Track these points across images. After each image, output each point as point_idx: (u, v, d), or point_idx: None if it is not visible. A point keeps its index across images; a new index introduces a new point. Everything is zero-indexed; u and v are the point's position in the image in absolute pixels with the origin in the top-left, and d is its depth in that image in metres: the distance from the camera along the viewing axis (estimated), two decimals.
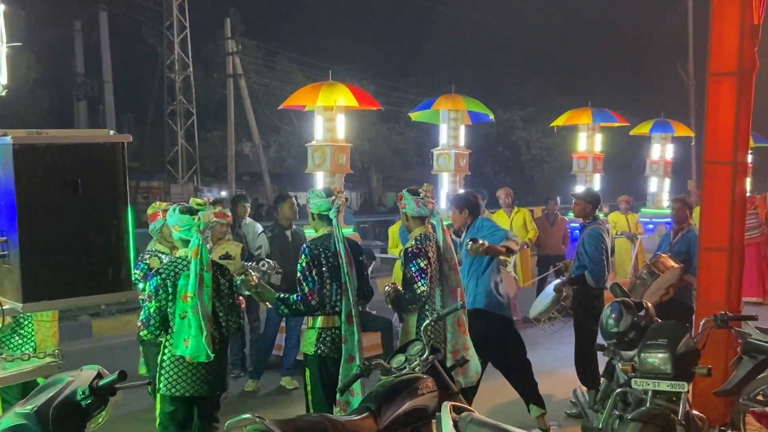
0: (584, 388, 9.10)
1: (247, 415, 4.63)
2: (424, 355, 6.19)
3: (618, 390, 6.93)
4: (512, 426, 4.68)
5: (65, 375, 4.64)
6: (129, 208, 4.69)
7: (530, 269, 15.33)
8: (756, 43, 8.00)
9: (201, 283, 6.20)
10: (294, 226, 10.90)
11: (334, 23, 47.94)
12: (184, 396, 6.41)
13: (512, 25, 47.61)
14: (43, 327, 6.22)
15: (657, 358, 6.36)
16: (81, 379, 4.54)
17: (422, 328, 6.76)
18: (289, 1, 46.41)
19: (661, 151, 19.74)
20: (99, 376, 4.58)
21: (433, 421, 5.54)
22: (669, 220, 14.45)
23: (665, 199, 19.61)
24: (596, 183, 17.31)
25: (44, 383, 4.68)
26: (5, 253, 4.52)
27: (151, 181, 39.71)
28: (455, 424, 4.64)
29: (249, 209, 12.03)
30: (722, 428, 7.73)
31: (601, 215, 9.78)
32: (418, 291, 7.30)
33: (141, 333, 6.46)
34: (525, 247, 14.60)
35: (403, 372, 6.04)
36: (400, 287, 7.50)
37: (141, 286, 7.35)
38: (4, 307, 4.70)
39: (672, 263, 9.31)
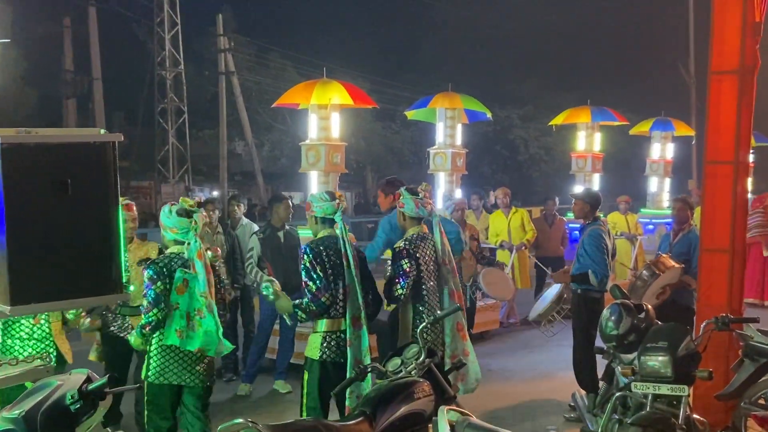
0: (583, 392, 9.04)
1: (240, 420, 4.59)
2: (421, 359, 6.11)
3: (617, 394, 6.83)
4: (510, 431, 4.61)
5: (54, 379, 4.58)
6: (119, 208, 4.59)
7: (528, 271, 15.21)
8: (758, 40, 7.92)
9: (209, 283, 6.41)
10: (287, 227, 10.81)
11: (329, 19, 47.99)
12: (171, 384, 6.49)
13: (510, 22, 47.63)
14: None
15: (657, 361, 6.29)
16: (70, 383, 4.51)
17: (418, 330, 6.70)
18: None
19: (662, 150, 19.65)
20: (88, 380, 4.56)
21: (430, 425, 5.49)
22: (669, 220, 14.39)
23: (665, 200, 19.52)
24: (595, 183, 17.25)
25: (32, 387, 4.64)
26: None
27: (141, 180, 39.46)
28: (452, 429, 4.56)
29: (244, 209, 11.96)
30: None
31: (600, 215, 9.65)
32: (396, 293, 7.34)
33: (130, 338, 6.57)
34: (523, 248, 14.53)
35: (399, 375, 5.96)
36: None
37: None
38: None
39: (673, 263, 9.24)
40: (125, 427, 8.48)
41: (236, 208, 12.02)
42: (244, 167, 41.77)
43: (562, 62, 48.00)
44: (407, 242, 7.47)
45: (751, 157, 8.57)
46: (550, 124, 18.97)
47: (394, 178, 9.50)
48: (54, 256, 4.45)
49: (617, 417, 6.78)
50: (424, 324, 6.82)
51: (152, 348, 6.47)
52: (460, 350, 7.48)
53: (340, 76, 15.46)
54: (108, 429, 8.15)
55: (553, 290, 9.92)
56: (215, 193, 35.73)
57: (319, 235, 7.13)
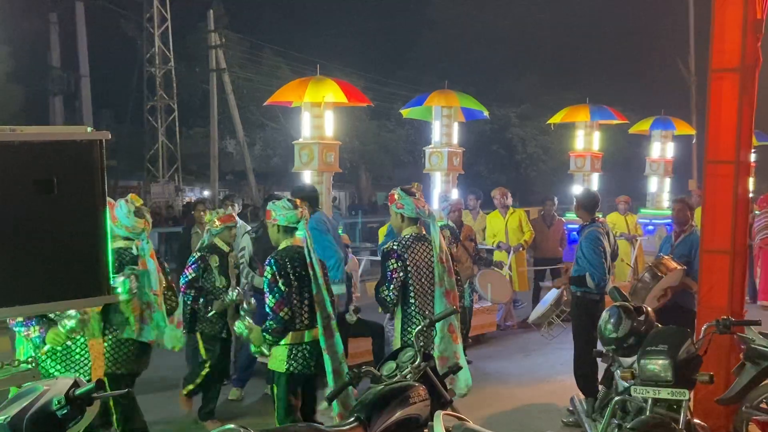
0: (582, 396, 8.97)
1: (232, 426, 4.48)
2: (416, 363, 6.00)
3: (617, 398, 6.78)
4: None
5: (40, 384, 4.48)
6: (106, 209, 4.47)
7: (526, 273, 15.10)
8: (759, 38, 7.87)
9: (160, 281, 6.77)
10: None
11: (323, 15, 47.98)
12: (124, 374, 6.77)
13: (507, 18, 47.67)
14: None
15: (657, 364, 6.20)
16: (56, 388, 4.43)
17: (414, 333, 6.62)
18: None
19: (662, 149, 19.64)
20: (75, 384, 4.47)
21: (426, 430, 5.42)
22: (669, 221, 14.32)
23: (665, 200, 19.54)
24: (594, 182, 17.21)
25: (17, 392, 4.56)
26: None
27: (129, 180, 39.20)
28: None
29: (238, 209, 11.87)
30: None
31: (599, 216, 9.56)
32: (382, 293, 7.39)
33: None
34: (521, 249, 14.44)
35: (394, 380, 5.85)
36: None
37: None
38: None
39: (675, 265, 9.18)
40: None
41: (230, 208, 11.91)
42: (236, 166, 41.61)
43: (560, 60, 48.02)
44: (397, 243, 7.46)
45: (752, 157, 8.49)
46: (548, 122, 18.93)
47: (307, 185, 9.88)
48: (39, 257, 4.37)
49: (617, 422, 6.73)
50: (420, 327, 6.72)
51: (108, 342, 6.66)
52: (450, 352, 7.39)
53: (334, 73, 15.41)
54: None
55: (553, 293, 9.89)
56: (206, 193, 35.63)
57: (282, 245, 7.07)
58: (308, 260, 6.87)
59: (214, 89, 32.55)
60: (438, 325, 7.30)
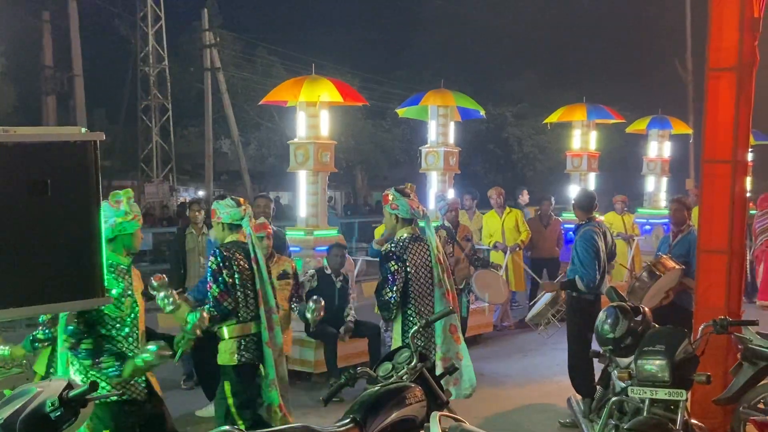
0: (579, 397, 8.99)
1: (227, 427, 4.46)
2: (412, 363, 5.99)
3: (614, 398, 6.76)
4: None
5: (33, 386, 4.47)
6: (101, 210, 4.46)
7: (522, 273, 15.08)
8: (756, 36, 7.84)
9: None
10: (275, 228, 10.67)
11: (318, 14, 47.96)
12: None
13: (503, 17, 47.52)
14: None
15: (654, 365, 6.20)
16: (50, 389, 4.41)
17: (410, 334, 6.62)
18: None
19: (659, 148, 19.61)
20: (69, 386, 4.45)
21: (422, 431, 5.35)
22: (666, 221, 14.30)
23: (662, 199, 19.51)
24: (591, 182, 17.16)
25: (11, 394, 4.52)
26: None
27: (123, 180, 38.83)
28: None
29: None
30: None
31: (596, 215, 9.55)
32: (386, 296, 7.37)
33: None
34: (517, 249, 14.41)
35: (390, 381, 5.85)
36: None
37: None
38: None
39: (673, 264, 9.16)
40: None
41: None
42: (231, 166, 41.57)
43: (556, 59, 47.95)
44: (395, 245, 7.44)
45: (749, 156, 8.46)
46: (544, 122, 18.92)
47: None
48: (33, 259, 4.37)
49: (614, 422, 6.70)
50: (416, 327, 6.72)
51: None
52: (453, 353, 7.39)
53: (329, 72, 15.41)
54: None
55: (548, 293, 9.85)
56: (200, 193, 35.56)
57: (227, 240, 7.24)
58: (252, 255, 7.10)
59: (209, 88, 32.43)
60: (438, 326, 7.29)
